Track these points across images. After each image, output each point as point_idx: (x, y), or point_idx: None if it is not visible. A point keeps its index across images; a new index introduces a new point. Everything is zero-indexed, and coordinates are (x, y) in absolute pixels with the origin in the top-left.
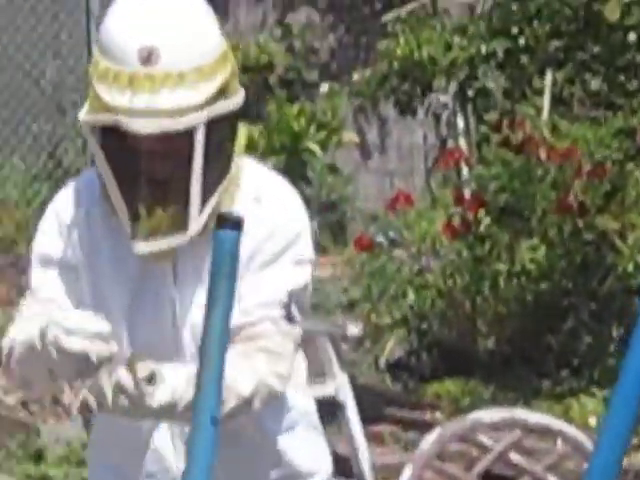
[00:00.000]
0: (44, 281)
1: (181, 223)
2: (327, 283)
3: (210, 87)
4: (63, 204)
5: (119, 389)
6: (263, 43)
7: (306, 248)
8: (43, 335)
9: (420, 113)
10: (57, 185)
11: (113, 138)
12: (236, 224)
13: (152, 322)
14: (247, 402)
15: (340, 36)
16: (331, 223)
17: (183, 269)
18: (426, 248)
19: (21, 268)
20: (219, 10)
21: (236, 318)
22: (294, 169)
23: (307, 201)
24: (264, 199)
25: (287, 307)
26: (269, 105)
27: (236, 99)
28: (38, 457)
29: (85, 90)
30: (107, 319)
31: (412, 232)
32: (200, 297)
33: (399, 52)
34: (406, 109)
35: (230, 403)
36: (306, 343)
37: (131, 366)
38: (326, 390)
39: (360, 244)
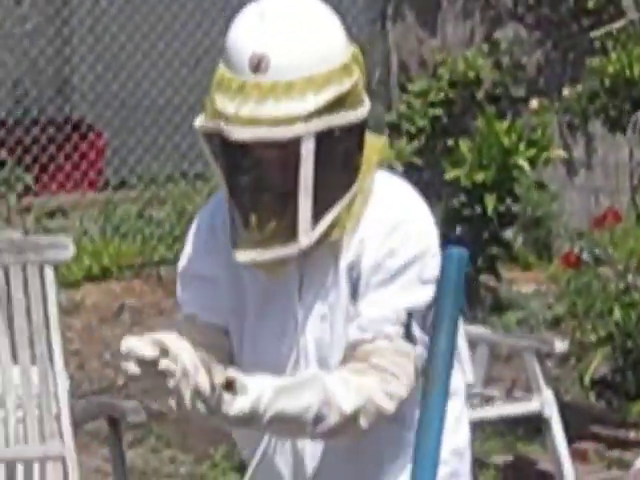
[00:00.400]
0: (186, 297)
1: (289, 235)
2: (531, 299)
3: (321, 98)
4: (204, 216)
5: (196, 393)
6: (471, 58)
7: (432, 266)
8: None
9: (628, 130)
10: None
11: (226, 146)
12: (463, 243)
13: (275, 335)
14: (351, 419)
15: (547, 52)
16: (536, 239)
17: (308, 284)
18: (633, 266)
19: None
20: (427, 26)
21: (353, 334)
22: (502, 185)
23: (514, 217)
24: (390, 215)
25: (407, 326)
26: (477, 120)
27: (358, 111)
28: (242, 468)
29: None
30: (241, 330)
31: (619, 249)
32: (322, 310)
33: (610, 69)
34: (615, 126)
35: (332, 419)
36: (512, 358)
37: (209, 372)
38: (532, 406)
39: (567, 260)
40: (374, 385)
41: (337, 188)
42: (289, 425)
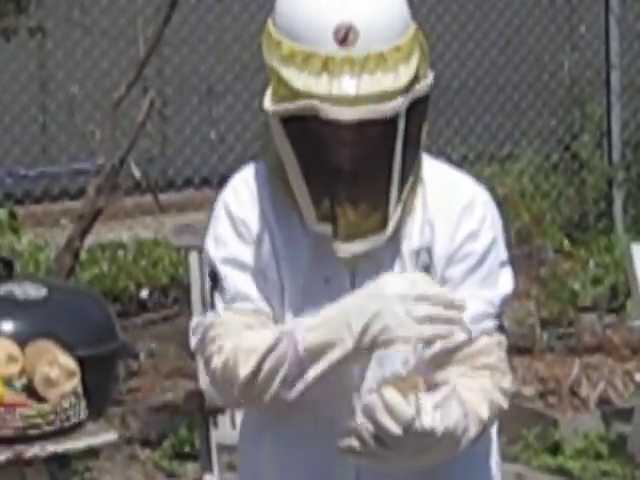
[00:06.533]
0: (246, 287)
1: (380, 221)
2: None
3: (409, 69)
4: (233, 201)
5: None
6: None
7: (504, 247)
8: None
9: None
10: (572, 178)
11: (301, 128)
12: None
13: None
14: (486, 426)
15: None
16: None
17: (363, 276)
18: None
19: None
20: None
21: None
22: None
23: None
24: (460, 196)
25: (500, 316)
26: None
27: (429, 79)
28: (555, 449)
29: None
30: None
31: None
32: None
33: None
34: None
35: (474, 429)
36: None
37: (402, 385)
38: None
39: None
40: (489, 385)
41: (409, 167)
42: (442, 444)
